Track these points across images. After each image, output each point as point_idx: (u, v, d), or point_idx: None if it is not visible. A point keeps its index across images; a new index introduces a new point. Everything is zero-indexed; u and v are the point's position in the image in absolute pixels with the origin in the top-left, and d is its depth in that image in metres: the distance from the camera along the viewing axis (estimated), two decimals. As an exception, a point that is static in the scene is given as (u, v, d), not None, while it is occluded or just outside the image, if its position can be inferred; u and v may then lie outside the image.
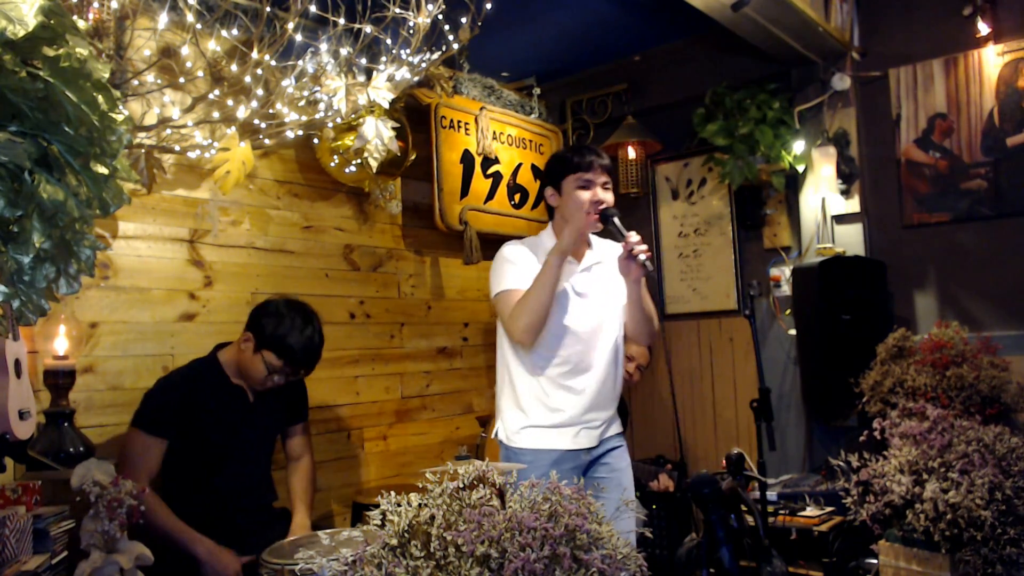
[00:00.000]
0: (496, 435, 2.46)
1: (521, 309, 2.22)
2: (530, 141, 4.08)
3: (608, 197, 2.30)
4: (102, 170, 1.20)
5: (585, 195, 2.27)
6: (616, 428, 2.48)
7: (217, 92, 2.50)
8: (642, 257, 2.16)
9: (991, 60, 3.26)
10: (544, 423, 2.32)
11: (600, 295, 2.38)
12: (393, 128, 2.89)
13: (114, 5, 2.29)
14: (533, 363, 2.34)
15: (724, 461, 2.53)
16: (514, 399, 2.38)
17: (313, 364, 2.49)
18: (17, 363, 1.89)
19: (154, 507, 2.27)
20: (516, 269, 2.32)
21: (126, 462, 2.28)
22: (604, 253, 2.45)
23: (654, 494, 3.48)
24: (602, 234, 2.47)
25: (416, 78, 2.92)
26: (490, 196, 3.80)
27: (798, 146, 3.59)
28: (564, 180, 2.32)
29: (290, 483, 2.68)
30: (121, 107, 1.23)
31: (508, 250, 2.39)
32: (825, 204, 3.57)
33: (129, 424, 2.37)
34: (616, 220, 2.26)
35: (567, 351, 2.32)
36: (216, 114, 2.55)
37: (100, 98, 1.17)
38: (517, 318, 2.23)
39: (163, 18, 2.31)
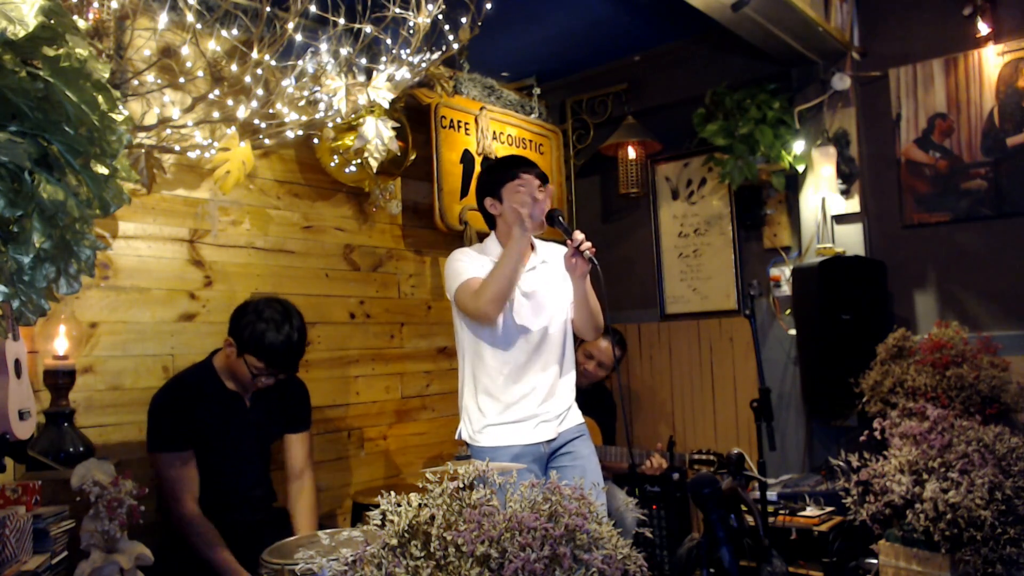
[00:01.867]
0: (460, 436, 2.54)
1: (488, 281, 2.32)
2: (530, 141, 4.08)
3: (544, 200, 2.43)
4: (102, 170, 1.20)
5: (526, 196, 2.40)
6: (576, 419, 2.56)
7: (217, 92, 2.50)
8: (588, 254, 2.27)
9: (991, 60, 3.26)
10: (503, 420, 2.42)
11: (546, 294, 2.49)
12: (393, 128, 2.89)
13: (114, 5, 2.29)
14: (488, 362, 2.44)
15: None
16: (474, 399, 2.47)
17: (295, 363, 2.46)
18: (17, 363, 1.90)
19: (206, 536, 2.26)
20: (469, 264, 2.43)
21: (165, 487, 2.27)
22: (547, 254, 2.56)
23: (651, 490, 3.48)
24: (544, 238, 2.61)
25: (416, 78, 2.91)
26: (490, 196, 3.80)
27: (798, 146, 3.59)
28: (503, 188, 2.45)
29: (292, 508, 2.55)
30: (121, 107, 1.23)
31: (458, 254, 2.52)
32: (825, 204, 3.57)
33: (148, 452, 2.37)
34: (561, 219, 2.39)
35: (518, 348, 2.43)
36: (216, 114, 2.54)
37: (100, 98, 1.17)
38: (483, 292, 2.31)
39: (163, 18, 2.30)
